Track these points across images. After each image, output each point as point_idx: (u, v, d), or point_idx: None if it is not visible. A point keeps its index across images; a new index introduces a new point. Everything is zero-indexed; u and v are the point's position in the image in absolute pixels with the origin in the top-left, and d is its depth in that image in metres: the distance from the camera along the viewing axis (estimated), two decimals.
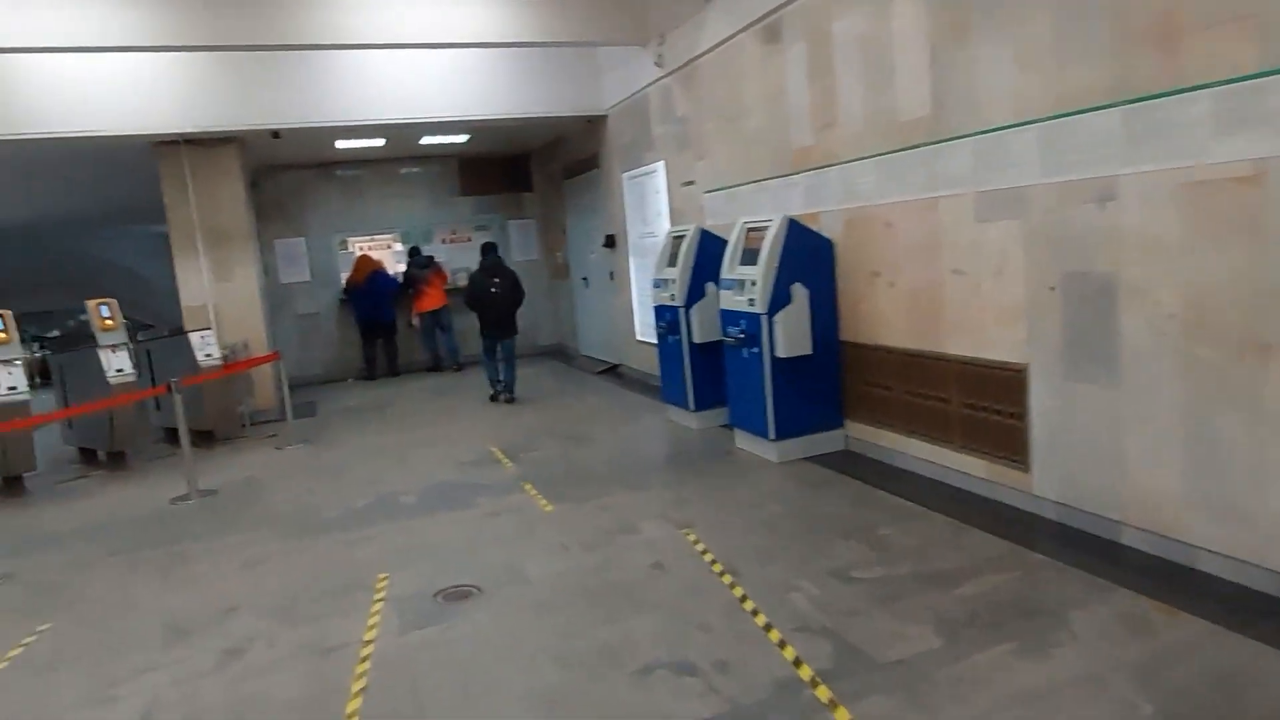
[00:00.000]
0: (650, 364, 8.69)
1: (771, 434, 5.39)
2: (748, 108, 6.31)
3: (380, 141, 9.92)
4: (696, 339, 6.37)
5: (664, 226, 8.05)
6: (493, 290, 8.28)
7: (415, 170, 11.81)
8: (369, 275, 10.98)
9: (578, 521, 4.69)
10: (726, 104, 6.63)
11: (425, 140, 10.25)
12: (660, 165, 7.96)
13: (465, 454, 6.52)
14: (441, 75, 8.51)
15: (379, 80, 8.34)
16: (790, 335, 5.25)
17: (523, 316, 8.71)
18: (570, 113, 9.10)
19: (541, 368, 10.98)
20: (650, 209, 8.36)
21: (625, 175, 8.88)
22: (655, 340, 7.34)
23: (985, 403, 4.37)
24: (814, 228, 5.48)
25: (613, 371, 9.94)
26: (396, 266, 11.59)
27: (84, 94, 7.42)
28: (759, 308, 5.28)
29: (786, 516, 4.48)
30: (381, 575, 4.11)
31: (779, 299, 5.26)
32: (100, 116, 7.48)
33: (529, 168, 12.27)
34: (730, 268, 5.67)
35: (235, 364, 7.62)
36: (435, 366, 11.32)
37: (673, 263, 6.60)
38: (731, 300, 5.61)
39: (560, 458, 6.19)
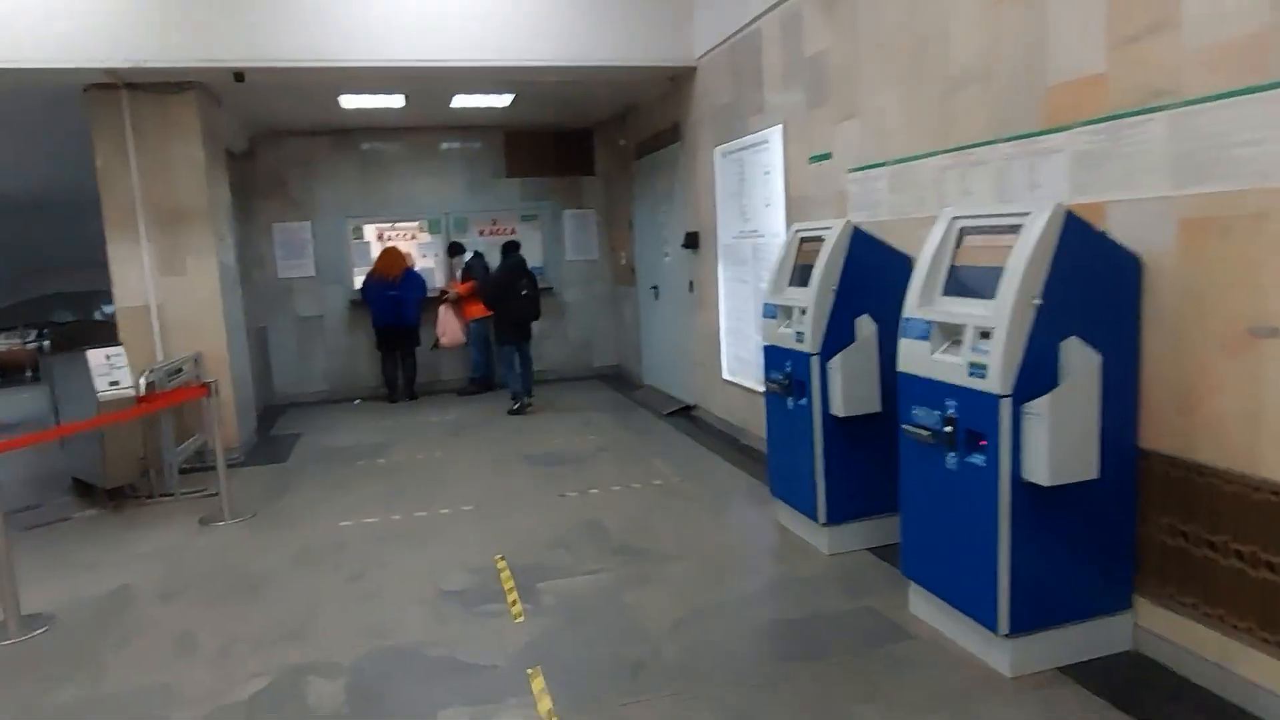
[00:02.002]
0: (741, 413, 6.18)
1: (1004, 624, 2.82)
2: (946, 25, 3.74)
3: (399, 100, 7.62)
4: (839, 410, 3.84)
5: (773, 222, 5.51)
6: (524, 293, 7.77)
7: (452, 145, 9.48)
8: (404, 273, 8.72)
9: None
10: (902, 24, 4.06)
11: (459, 102, 7.89)
12: (775, 132, 5.41)
13: (458, 567, 4.12)
14: (474, 8, 6.16)
15: (389, 13, 6.01)
16: (1061, 443, 2.66)
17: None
18: (646, 62, 6.59)
19: (595, 398, 8.54)
20: (754, 197, 5.82)
21: (719, 150, 6.35)
22: (759, 389, 4.85)
23: None
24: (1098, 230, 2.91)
25: (686, 413, 7.44)
26: (421, 261, 9.32)
27: None
28: (994, 384, 2.70)
29: None
30: None
31: (1037, 370, 2.69)
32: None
33: (591, 145, 9.83)
34: (923, 300, 3.11)
35: (152, 399, 5.36)
36: (482, 387, 9.04)
37: (800, 280, 4.07)
38: (922, 360, 3.05)
39: (603, 603, 3.71)
